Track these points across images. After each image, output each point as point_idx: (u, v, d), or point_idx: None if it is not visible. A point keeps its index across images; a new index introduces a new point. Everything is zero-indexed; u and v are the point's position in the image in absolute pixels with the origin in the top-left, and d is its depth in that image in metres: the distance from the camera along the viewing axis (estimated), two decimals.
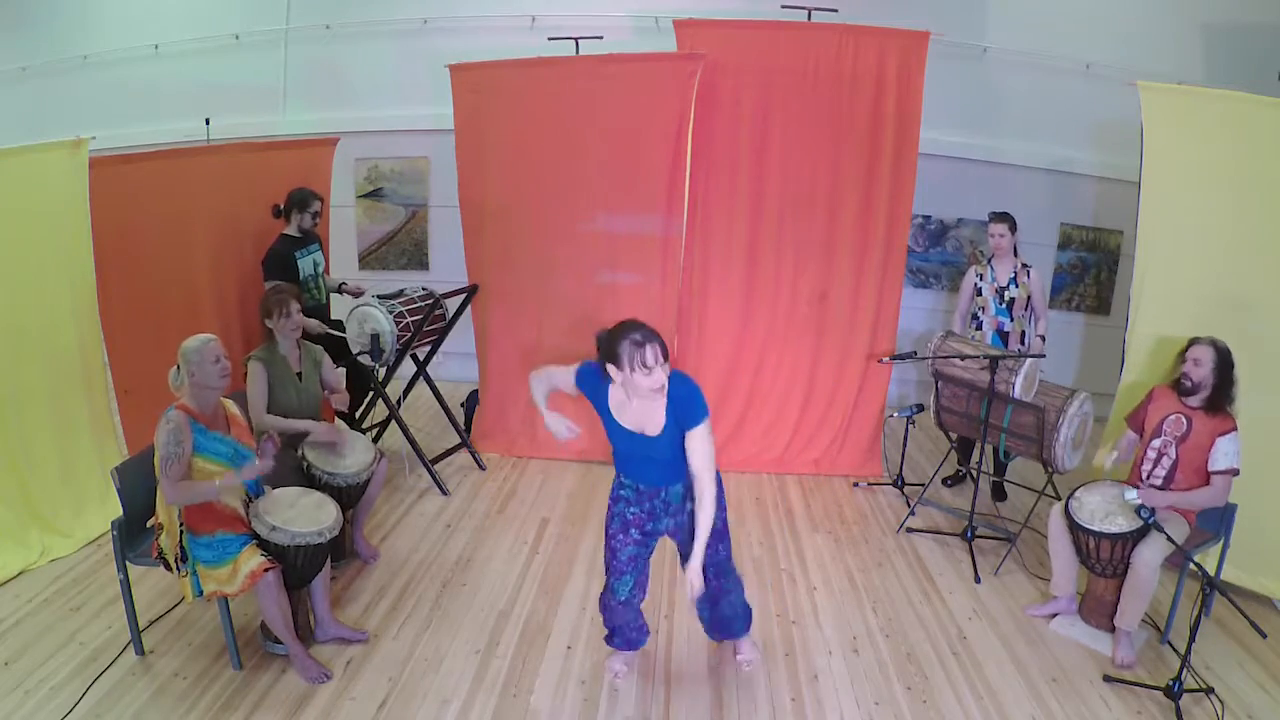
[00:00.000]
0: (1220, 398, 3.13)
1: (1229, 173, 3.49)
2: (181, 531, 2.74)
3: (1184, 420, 3.18)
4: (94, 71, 6.32)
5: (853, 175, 4.49)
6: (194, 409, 2.76)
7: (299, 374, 3.53)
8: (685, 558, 2.73)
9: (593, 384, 2.56)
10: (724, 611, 2.86)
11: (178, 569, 2.77)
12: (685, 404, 2.45)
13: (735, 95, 4.46)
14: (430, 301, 4.38)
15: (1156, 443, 3.24)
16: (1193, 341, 3.20)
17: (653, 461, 2.57)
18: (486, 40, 5.58)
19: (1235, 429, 3.10)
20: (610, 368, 2.42)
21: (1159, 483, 3.21)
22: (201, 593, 2.74)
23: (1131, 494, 3.05)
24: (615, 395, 2.52)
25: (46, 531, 3.61)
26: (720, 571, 2.77)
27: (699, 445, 2.45)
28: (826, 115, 4.43)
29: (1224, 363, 3.13)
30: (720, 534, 2.73)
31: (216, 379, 2.77)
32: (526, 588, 3.50)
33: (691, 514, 2.61)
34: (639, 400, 2.46)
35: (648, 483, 2.63)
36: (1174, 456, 3.18)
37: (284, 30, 6.13)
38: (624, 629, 2.87)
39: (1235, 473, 3.10)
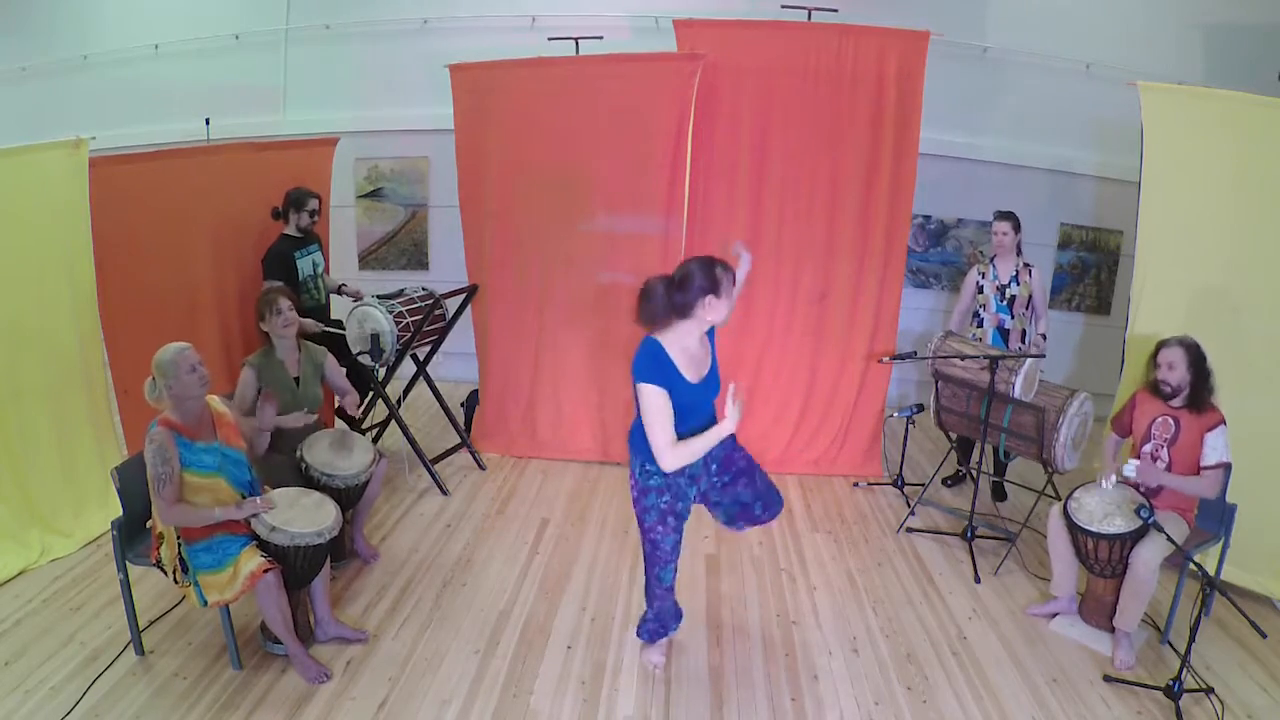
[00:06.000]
0: (1200, 395, 3.12)
1: (1229, 173, 3.48)
2: (180, 542, 2.74)
3: (1171, 422, 3.18)
4: (94, 71, 6.33)
5: (853, 175, 4.49)
6: (177, 421, 2.70)
7: (296, 379, 3.52)
8: (714, 504, 2.90)
9: (659, 365, 2.47)
10: (762, 479, 2.92)
11: (179, 580, 2.76)
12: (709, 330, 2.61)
13: (735, 95, 4.46)
14: (430, 301, 4.38)
15: (1148, 447, 3.24)
16: (1161, 345, 3.18)
17: (706, 405, 2.60)
18: (486, 40, 5.58)
19: (1222, 422, 3.09)
20: (708, 300, 2.46)
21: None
22: (206, 603, 2.73)
23: (1129, 467, 3.07)
24: (679, 355, 2.50)
25: (46, 531, 3.61)
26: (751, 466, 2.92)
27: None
28: (826, 115, 4.42)
29: (1197, 359, 3.12)
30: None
31: (196, 388, 2.70)
32: (526, 588, 3.50)
33: (710, 472, 2.77)
34: (695, 345, 2.54)
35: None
36: (1167, 459, 3.18)
37: (284, 30, 6.13)
38: (663, 614, 2.92)
39: (1227, 466, 3.10)
